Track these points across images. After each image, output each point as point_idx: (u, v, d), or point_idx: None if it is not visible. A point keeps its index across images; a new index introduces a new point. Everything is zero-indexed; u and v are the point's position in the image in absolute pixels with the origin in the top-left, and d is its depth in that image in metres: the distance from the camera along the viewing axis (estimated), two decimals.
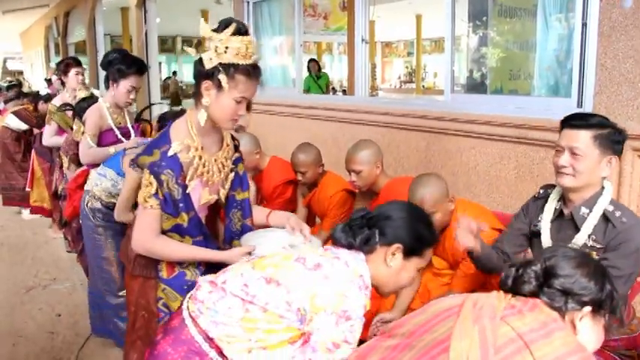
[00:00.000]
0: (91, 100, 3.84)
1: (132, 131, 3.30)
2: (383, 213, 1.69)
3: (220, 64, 1.80)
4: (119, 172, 2.99)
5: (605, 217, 1.94)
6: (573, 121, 1.97)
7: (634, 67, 2.70)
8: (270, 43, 6.22)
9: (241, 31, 1.81)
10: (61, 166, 4.08)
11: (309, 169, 3.26)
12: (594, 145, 1.92)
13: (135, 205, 2.58)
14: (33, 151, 5.97)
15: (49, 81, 15.23)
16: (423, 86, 20.78)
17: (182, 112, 2.72)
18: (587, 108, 2.92)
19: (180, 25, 21.24)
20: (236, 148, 2.15)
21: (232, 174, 2.09)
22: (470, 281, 2.44)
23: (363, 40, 4.76)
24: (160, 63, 11.37)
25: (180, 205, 1.89)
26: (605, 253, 1.91)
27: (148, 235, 1.91)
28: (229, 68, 1.81)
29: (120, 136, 3.22)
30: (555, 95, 3.38)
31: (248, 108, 1.92)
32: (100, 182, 3.03)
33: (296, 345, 1.52)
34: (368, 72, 4.90)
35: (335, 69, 20.86)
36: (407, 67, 24.50)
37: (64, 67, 4.59)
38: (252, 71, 1.85)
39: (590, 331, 1.32)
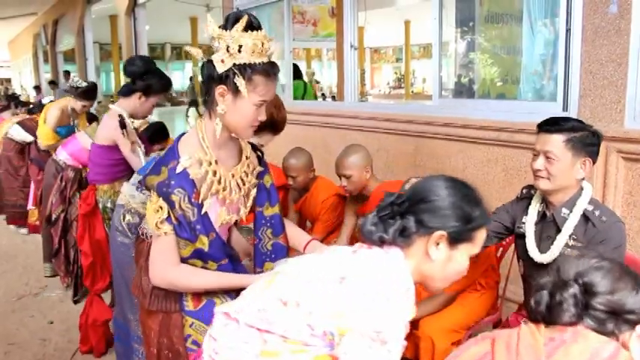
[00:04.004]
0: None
1: None
2: (417, 194, 1.35)
3: (235, 65, 1.56)
4: None
5: (585, 217, 2.00)
6: (547, 126, 2.04)
7: (616, 71, 2.76)
8: None
9: (253, 25, 1.59)
10: (62, 191, 3.89)
11: (300, 173, 3.28)
12: (566, 149, 1.98)
13: None
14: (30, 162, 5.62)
15: (37, 88, 15.22)
16: (412, 91, 20.92)
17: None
18: (572, 111, 2.98)
19: (170, 33, 21.34)
20: (260, 160, 1.88)
21: (255, 190, 1.83)
22: (458, 281, 2.46)
23: (352, 46, 4.81)
24: None
25: (198, 227, 1.62)
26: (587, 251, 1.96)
27: (166, 266, 1.65)
28: (246, 69, 1.57)
29: None
30: (541, 99, 3.43)
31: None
32: (136, 194, 2.71)
33: None
34: (357, 78, 4.96)
35: (325, 75, 20.96)
36: (396, 73, 24.66)
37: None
38: (271, 70, 1.62)
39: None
